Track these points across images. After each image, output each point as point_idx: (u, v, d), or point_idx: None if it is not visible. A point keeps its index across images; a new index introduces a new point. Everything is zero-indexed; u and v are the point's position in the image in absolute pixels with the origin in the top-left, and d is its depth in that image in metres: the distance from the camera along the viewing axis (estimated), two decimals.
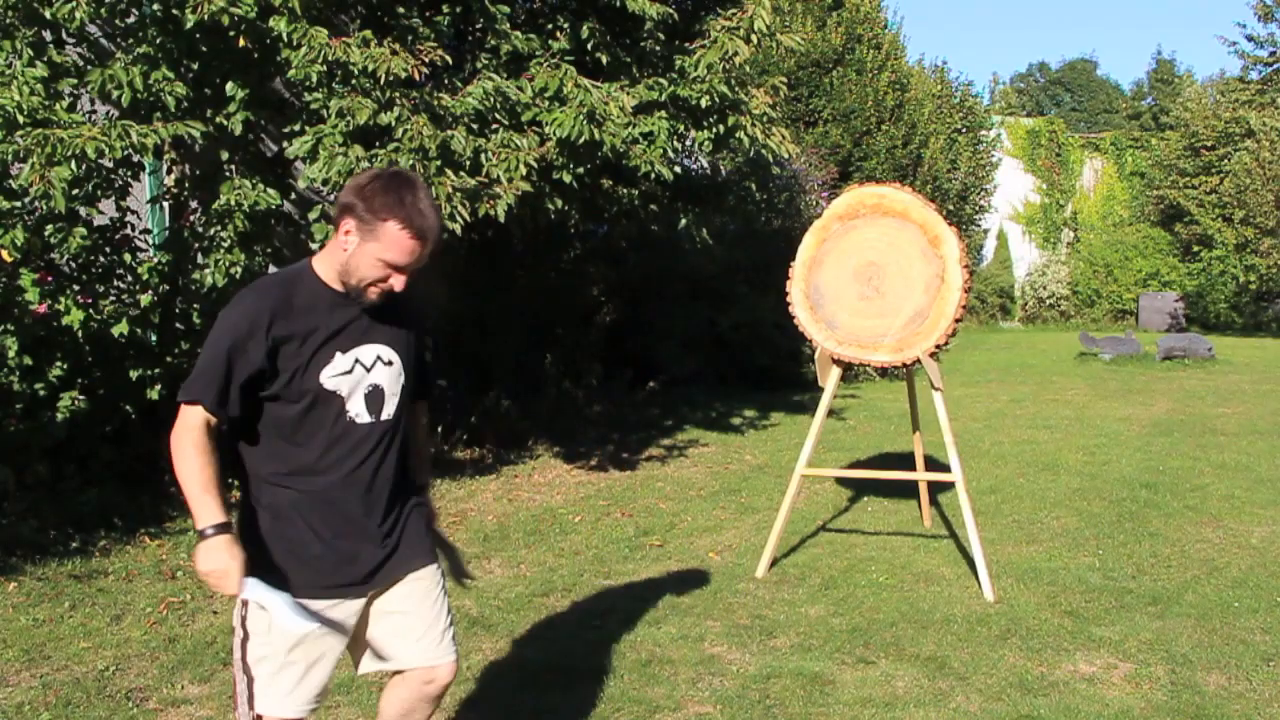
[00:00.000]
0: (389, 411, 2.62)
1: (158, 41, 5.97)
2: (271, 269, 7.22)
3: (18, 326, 5.63)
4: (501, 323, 9.48)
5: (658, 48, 7.45)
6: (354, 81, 5.91)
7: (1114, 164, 26.15)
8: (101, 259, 6.42)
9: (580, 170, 6.74)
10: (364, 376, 2.57)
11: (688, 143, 8.07)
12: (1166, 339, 15.95)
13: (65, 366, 5.96)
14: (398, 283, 2.51)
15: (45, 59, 5.94)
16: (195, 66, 6.24)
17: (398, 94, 5.96)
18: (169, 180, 7.15)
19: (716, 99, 6.94)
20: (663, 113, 6.96)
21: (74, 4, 5.82)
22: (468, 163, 6.21)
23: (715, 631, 4.61)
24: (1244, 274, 21.97)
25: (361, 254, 2.47)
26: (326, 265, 2.55)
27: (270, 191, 6.26)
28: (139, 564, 5.46)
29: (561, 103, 6.50)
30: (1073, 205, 25.81)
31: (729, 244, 12.28)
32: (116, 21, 6.26)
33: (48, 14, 5.91)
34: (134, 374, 6.39)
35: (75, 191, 5.83)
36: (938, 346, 5.32)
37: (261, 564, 2.48)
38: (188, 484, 2.41)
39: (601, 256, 10.91)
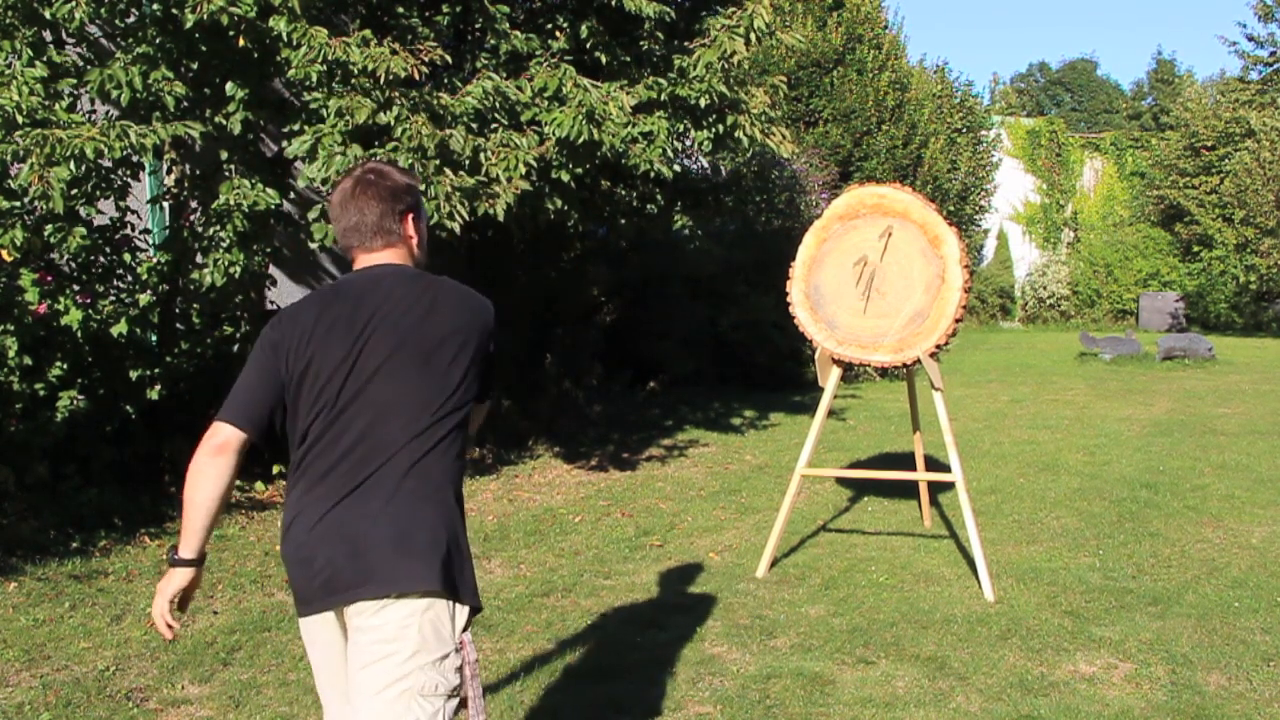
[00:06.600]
0: None
1: (157, 41, 5.96)
2: (271, 269, 7.21)
3: (18, 326, 5.63)
4: (501, 323, 9.47)
5: (657, 47, 7.46)
6: (353, 81, 5.91)
7: (1114, 164, 26.13)
8: (101, 259, 6.42)
9: (580, 170, 6.74)
10: None
11: (687, 142, 8.07)
12: (1167, 339, 15.94)
13: (65, 366, 5.96)
14: None
15: (45, 59, 5.93)
16: (195, 66, 6.24)
17: (397, 93, 5.96)
18: (169, 180, 7.15)
19: (716, 98, 6.94)
20: (662, 112, 6.96)
21: (74, 4, 5.82)
22: (467, 162, 6.20)
23: (715, 631, 4.60)
24: (1244, 274, 21.96)
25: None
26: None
27: (270, 191, 6.25)
28: (139, 564, 5.46)
29: (561, 102, 6.49)
30: (1073, 205, 25.79)
31: (729, 244, 12.28)
32: (116, 21, 6.26)
33: (47, 14, 5.91)
34: (134, 374, 6.39)
35: (74, 192, 5.83)
36: (938, 347, 5.32)
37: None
38: None
39: (601, 256, 10.90)
